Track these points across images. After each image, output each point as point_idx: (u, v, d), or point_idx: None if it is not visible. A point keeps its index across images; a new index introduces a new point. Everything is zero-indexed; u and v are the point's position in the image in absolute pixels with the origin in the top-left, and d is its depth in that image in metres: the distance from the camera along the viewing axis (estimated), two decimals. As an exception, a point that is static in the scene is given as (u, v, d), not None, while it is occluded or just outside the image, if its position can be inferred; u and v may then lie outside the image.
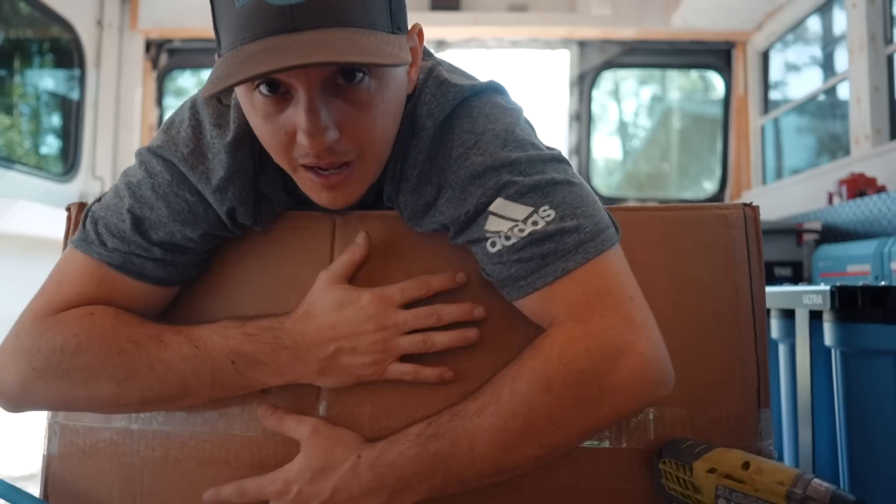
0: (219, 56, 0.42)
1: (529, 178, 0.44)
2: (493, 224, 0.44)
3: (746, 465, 0.39)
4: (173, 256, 0.49)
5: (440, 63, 0.51)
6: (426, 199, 0.47)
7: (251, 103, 0.43)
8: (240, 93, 0.44)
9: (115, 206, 0.48)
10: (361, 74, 0.41)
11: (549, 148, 0.48)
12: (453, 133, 0.46)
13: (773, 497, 0.37)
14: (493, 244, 0.44)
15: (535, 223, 0.43)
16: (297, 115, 0.41)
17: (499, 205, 0.44)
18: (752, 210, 0.49)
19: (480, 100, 0.48)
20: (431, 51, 0.53)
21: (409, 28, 0.46)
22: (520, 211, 0.44)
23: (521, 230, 0.43)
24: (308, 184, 0.45)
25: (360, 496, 0.43)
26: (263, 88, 0.41)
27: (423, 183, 0.47)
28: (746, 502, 0.38)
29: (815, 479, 0.37)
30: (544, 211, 0.43)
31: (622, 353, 0.41)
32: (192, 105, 0.49)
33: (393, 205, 0.50)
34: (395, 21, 0.42)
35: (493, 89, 0.49)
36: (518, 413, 0.41)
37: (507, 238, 0.44)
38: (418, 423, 0.44)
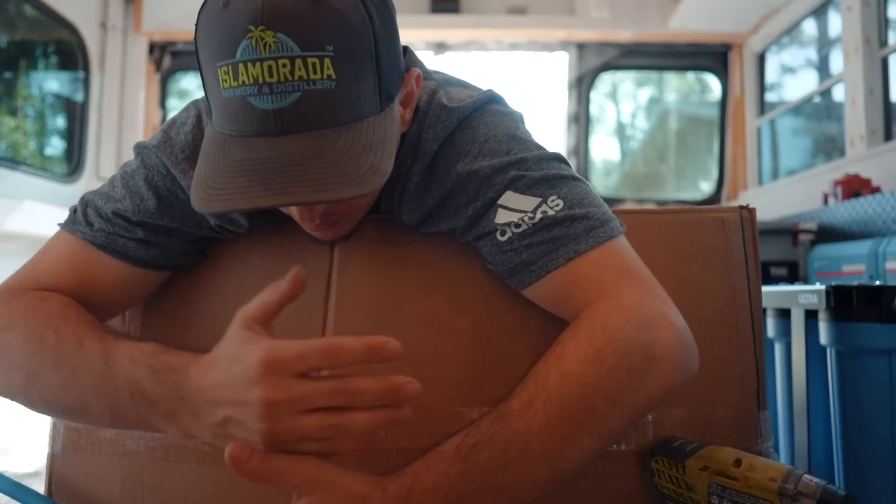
0: (209, 119, 0.41)
1: (537, 172, 0.44)
2: (502, 216, 0.44)
3: (738, 463, 0.40)
4: (157, 238, 0.48)
5: (440, 85, 0.50)
6: (430, 207, 0.47)
7: None
8: None
9: (106, 193, 0.49)
10: None
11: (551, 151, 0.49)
12: (455, 146, 0.46)
13: (766, 493, 0.37)
14: (503, 233, 0.44)
15: (544, 212, 0.43)
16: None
17: (507, 197, 0.44)
18: (748, 213, 0.49)
19: (480, 111, 0.48)
20: (431, 54, 0.55)
21: (407, 72, 0.45)
22: (529, 202, 0.44)
23: (532, 217, 0.43)
24: (301, 226, 0.46)
25: None
26: None
27: (426, 196, 0.47)
28: (739, 499, 0.38)
29: (806, 475, 0.37)
30: (553, 200, 0.43)
31: (658, 324, 0.40)
32: (197, 108, 0.49)
33: (395, 217, 0.50)
34: (385, 95, 0.41)
35: (491, 99, 0.50)
36: (572, 394, 0.38)
37: (517, 226, 0.43)
38: (453, 437, 0.39)
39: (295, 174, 0.36)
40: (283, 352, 0.35)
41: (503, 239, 0.44)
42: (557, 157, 0.47)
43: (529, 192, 0.44)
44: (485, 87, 0.52)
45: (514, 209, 0.44)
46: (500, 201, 0.44)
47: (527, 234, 0.43)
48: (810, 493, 0.36)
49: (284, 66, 0.35)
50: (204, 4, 0.38)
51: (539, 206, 0.43)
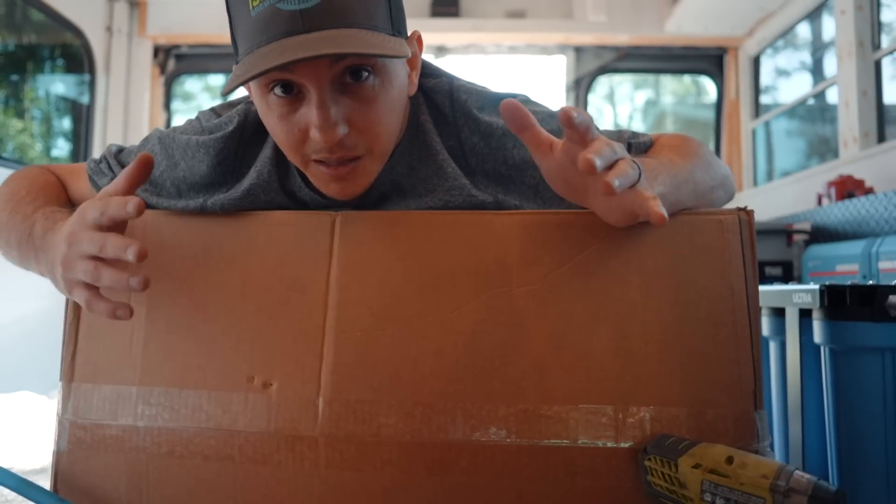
0: (236, 63, 0.46)
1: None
2: None
3: (730, 460, 0.40)
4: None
5: (455, 78, 0.55)
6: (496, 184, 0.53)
7: (266, 104, 0.46)
8: (256, 95, 0.47)
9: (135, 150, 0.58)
10: (367, 73, 0.44)
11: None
12: (500, 136, 0.52)
13: (758, 490, 0.38)
14: None
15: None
16: (309, 112, 0.44)
17: None
18: (746, 215, 0.50)
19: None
20: (432, 57, 0.60)
21: (409, 34, 0.49)
22: None
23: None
24: (319, 176, 0.48)
25: None
26: (278, 90, 0.44)
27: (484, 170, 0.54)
28: (732, 496, 0.38)
29: (797, 471, 0.38)
30: None
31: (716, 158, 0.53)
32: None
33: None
34: (396, 25, 0.45)
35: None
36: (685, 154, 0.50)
37: None
38: None
39: (323, 43, 0.40)
40: (88, 205, 0.45)
41: None
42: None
43: None
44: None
45: None
46: None
47: None
48: (802, 490, 0.36)
49: None
50: None
51: None
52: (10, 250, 0.53)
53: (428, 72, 0.55)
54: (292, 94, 0.44)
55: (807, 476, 0.37)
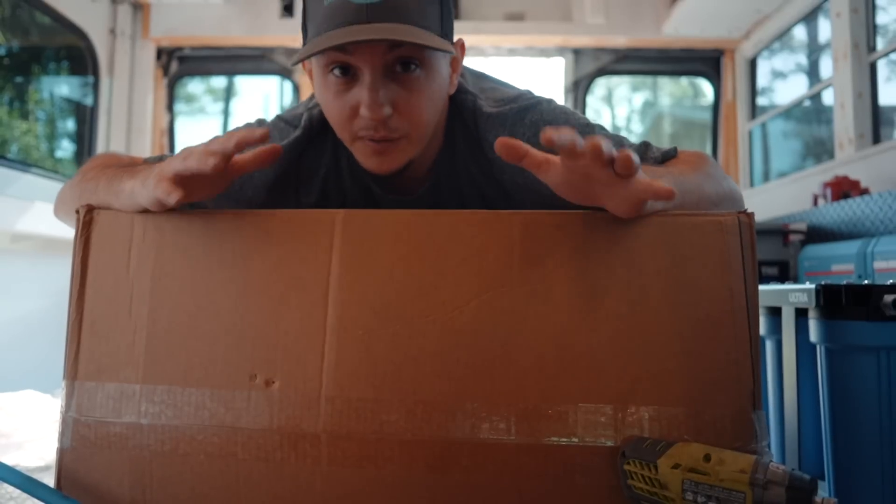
0: (304, 45, 0.53)
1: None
2: None
3: (708, 457, 0.40)
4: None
5: (478, 96, 0.61)
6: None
7: (325, 83, 0.53)
8: (316, 75, 0.55)
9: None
10: (414, 66, 0.51)
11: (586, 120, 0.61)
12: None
13: (738, 485, 0.39)
14: None
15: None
16: (361, 92, 0.51)
17: None
18: (746, 217, 0.50)
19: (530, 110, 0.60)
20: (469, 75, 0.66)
21: (455, 41, 0.57)
22: None
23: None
24: (362, 150, 0.55)
25: None
26: (336, 71, 0.52)
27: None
28: (713, 493, 0.39)
29: (772, 463, 0.39)
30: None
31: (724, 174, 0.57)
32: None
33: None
34: (445, 29, 0.53)
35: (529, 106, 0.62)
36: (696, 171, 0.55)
37: None
38: None
39: (382, 33, 0.48)
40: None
41: None
42: (588, 122, 0.60)
43: None
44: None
45: None
46: None
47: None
48: (779, 481, 0.38)
49: None
50: None
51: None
52: (90, 184, 0.56)
53: (458, 86, 0.61)
54: (348, 75, 0.51)
55: (781, 467, 0.38)
